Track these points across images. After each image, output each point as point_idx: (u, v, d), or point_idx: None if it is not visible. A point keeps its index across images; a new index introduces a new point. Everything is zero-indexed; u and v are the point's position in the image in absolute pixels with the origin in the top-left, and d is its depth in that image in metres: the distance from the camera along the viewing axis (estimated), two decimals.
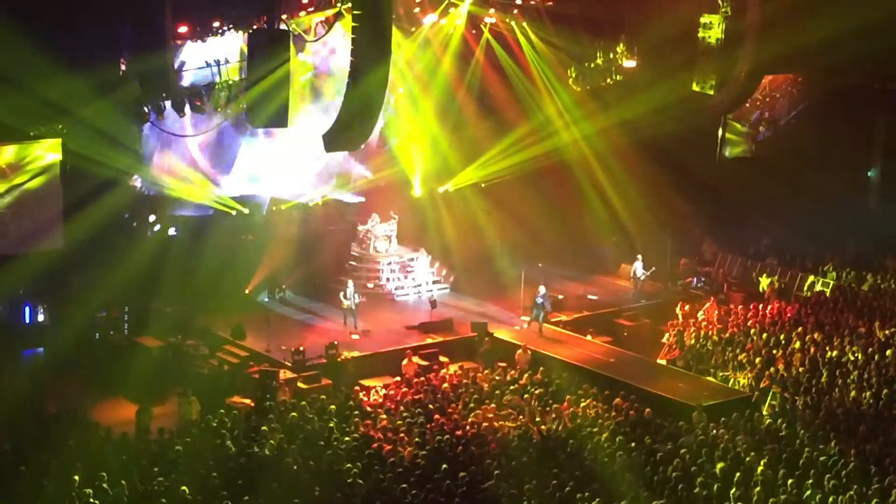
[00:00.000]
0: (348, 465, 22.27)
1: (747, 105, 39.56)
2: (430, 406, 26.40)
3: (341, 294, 33.43)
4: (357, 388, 28.50)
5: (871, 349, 30.52)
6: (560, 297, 35.47)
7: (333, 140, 27.30)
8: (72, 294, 30.15)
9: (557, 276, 37.95)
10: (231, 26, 29.88)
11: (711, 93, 33.04)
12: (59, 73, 27.37)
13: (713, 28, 32.45)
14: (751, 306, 35.04)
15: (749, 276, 39.10)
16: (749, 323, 33.50)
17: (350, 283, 33.86)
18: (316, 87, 34.87)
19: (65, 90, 27.88)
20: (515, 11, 36.22)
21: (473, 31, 37.25)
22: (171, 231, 34.26)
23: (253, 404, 27.27)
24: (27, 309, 30.86)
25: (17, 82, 26.91)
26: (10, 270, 29.12)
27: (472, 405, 26.50)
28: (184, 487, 20.86)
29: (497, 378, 29.09)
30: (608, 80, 37.62)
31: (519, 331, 33.37)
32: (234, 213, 35.12)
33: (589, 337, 33.53)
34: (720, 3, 32.40)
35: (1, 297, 30.42)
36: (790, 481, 21.71)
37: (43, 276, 29.75)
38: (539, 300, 33.39)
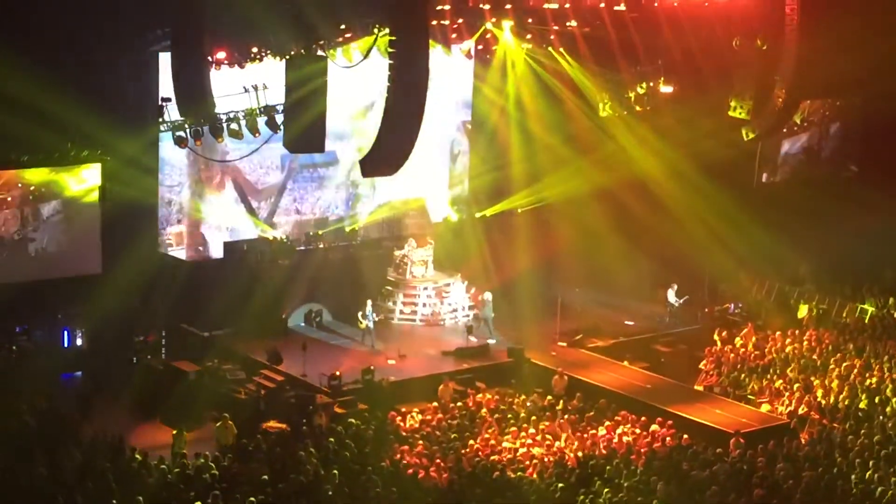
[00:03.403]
0: (384, 490, 22.24)
1: (785, 130, 39.35)
2: (467, 431, 26.33)
3: (359, 314, 33.47)
4: (393, 413, 28.47)
5: None
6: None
7: (370, 165, 27.35)
8: (109, 318, 30.26)
9: (593, 302, 37.85)
10: (269, 52, 30.02)
11: (747, 117, 32.88)
12: (98, 98, 27.64)
13: (750, 52, 32.33)
14: (789, 333, 34.82)
15: (787, 302, 38.82)
16: (787, 350, 33.28)
17: (368, 302, 33.87)
18: None
19: (105, 116, 28.13)
20: (552, 37, 36.16)
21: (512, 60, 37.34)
22: (209, 255, 34.40)
23: (289, 429, 27.29)
24: (65, 333, 31.01)
25: (58, 110, 27.20)
26: (49, 294, 29.34)
27: (508, 431, 26.41)
28: None
29: (533, 403, 29.00)
30: (645, 107, 37.50)
31: (555, 356, 33.26)
32: (271, 237, 35.25)
33: (626, 363, 33.41)
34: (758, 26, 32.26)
35: (40, 321, 30.60)
36: None
37: (81, 301, 29.94)
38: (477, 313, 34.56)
